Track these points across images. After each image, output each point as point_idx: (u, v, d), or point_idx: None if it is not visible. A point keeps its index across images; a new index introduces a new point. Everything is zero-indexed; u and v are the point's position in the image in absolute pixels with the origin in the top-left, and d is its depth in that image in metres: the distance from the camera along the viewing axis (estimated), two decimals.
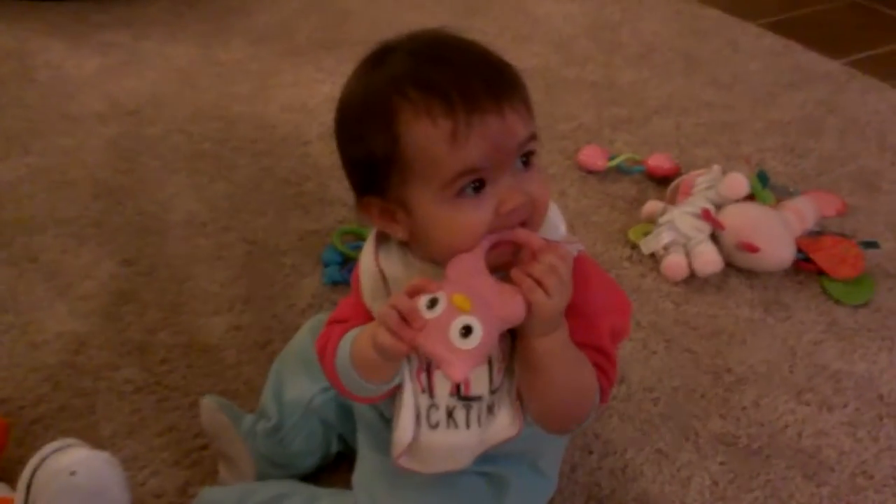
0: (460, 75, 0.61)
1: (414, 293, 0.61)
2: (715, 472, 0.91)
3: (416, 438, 0.69)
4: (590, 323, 0.67)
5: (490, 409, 0.68)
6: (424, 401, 0.68)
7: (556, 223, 0.70)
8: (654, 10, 1.95)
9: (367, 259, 0.71)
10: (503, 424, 0.69)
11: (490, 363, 0.67)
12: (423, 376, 0.68)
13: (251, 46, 1.72)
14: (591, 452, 0.93)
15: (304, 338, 0.89)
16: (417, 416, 0.69)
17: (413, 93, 0.61)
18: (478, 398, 0.67)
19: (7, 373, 0.99)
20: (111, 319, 1.07)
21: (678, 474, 0.91)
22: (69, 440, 0.78)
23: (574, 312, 0.65)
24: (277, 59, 1.67)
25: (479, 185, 0.62)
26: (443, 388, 0.68)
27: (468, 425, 0.68)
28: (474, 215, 0.62)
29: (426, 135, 0.61)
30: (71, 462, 0.75)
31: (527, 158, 0.64)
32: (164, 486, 0.87)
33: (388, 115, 0.62)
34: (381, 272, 0.69)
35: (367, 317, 0.70)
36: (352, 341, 0.68)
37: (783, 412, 0.98)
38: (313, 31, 1.80)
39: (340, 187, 1.32)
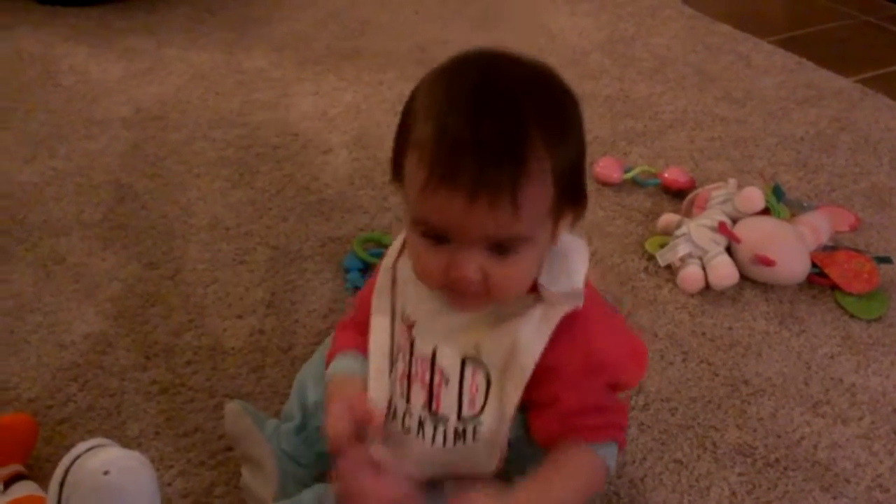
0: (467, 141, 0.58)
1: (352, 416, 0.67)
2: (733, 482, 0.92)
3: (392, 435, 0.73)
4: (583, 386, 0.68)
5: (460, 436, 0.70)
6: (402, 404, 0.72)
7: (571, 271, 0.68)
8: (668, 25, 1.98)
9: (390, 257, 0.75)
10: (478, 459, 0.71)
11: (461, 391, 0.69)
12: (405, 381, 0.72)
13: (273, 54, 1.74)
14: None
15: (327, 347, 0.91)
16: (395, 414, 0.73)
17: (429, 126, 0.60)
18: (445, 419, 0.70)
19: (35, 372, 1.01)
20: (137, 321, 1.08)
21: (697, 484, 0.92)
22: (101, 440, 0.79)
23: (562, 378, 0.67)
24: (298, 68, 1.70)
25: (439, 239, 0.62)
26: (417, 398, 0.71)
27: (433, 441, 0.71)
28: (429, 260, 0.63)
29: (411, 167, 0.62)
30: (104, 462, 0.75)
31: (502, 250, 0.62)
32: (191, 486, 0.89)
33: (410, 126, 0.63)
34: (394, 272, 0.73)
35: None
36: (331, 379, 0.76)
37: (799, 424, 0.99)
38: (333, 40, 1.82)
39: (361, 195, 1.34)
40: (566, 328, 0.66)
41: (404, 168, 0.63)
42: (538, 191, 0.60)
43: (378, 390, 0.74)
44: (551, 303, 0.67)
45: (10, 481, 0.83)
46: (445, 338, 0.70)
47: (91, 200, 1.30)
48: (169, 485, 0.88)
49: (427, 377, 0.71)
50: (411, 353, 0.72)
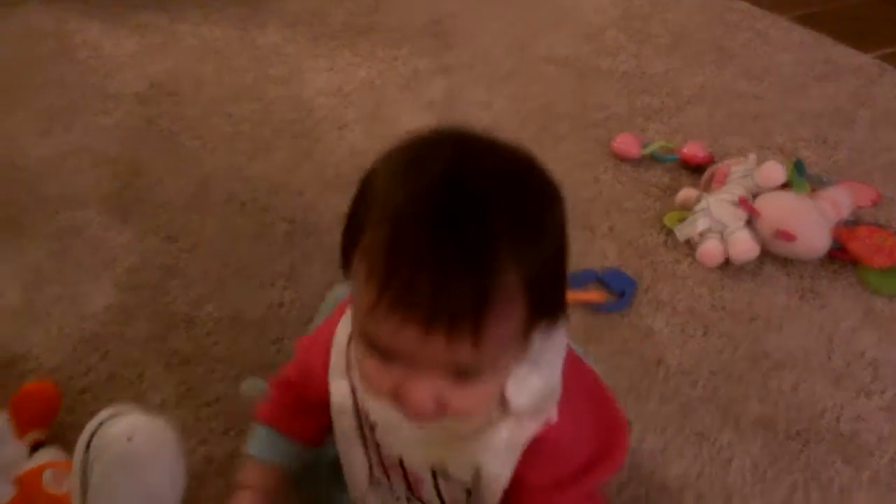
0: (425, 260, 0.49)
1: None
2: (755, 454, 0.92)
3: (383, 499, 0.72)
4: (555, 500, 0.64)
5: None
6: (385, 481, 0.71)
7: (543, 377, 0.60)
8: (684, 1, 1.95)
9: (343, 331, 0.66)
10: None
11: (439, 493, 0.67)
12: (382, 468, 0.70)
13: (286, 30, 1.73)
14: (630, 432, 0.94)
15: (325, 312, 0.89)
16: (380, 483, 0.71)
17: (383, 231, 0.50)
18: (431, 502, 0.69)
19: (56, 343, 1.01)
20: (157, 293, 1.08)
21: (718, 456, 0.92)
22: (125, 406, 0.80)
23: (532, 492, 0.62)
24: (313, 44, 1.68)
25: (388, 355, 0.53)
26: (398, 484, 0.70)
27: None
28: (375, 376, 0.55)
29: (360, 274, 0.52)
30: (128, 427, 0.75)
31: (461, 375, 0.53)
32: (214, 454, 0.89)
33: (361, 218, 0.53)
34: (349, 355, 0.65)
35: (314, 387, 0.69)
36: (250, 459, 0.75)
37: (821, 397, 0.99)
38: (348, 16, 1.81)
39: None
40: (536, 443, 0.61)
41: (352, 265, 0.54)
42: (506, 316, 0.51)
43: (355, 465, 0.71)
44: (519, 420, 0.60)
45: (34, 448, 0.83)
46: (409, 449, 0.66)
47: (107, 175, 1.30)
48: (192, 452, 0.89)
49: (401, 474, 0.68)
50: (379, 451, 0.68)
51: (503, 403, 0.59)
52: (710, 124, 1.49)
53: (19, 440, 0.83)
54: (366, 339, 0.54)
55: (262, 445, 0.76)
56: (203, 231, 1.20)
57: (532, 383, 0.59)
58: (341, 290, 0.88)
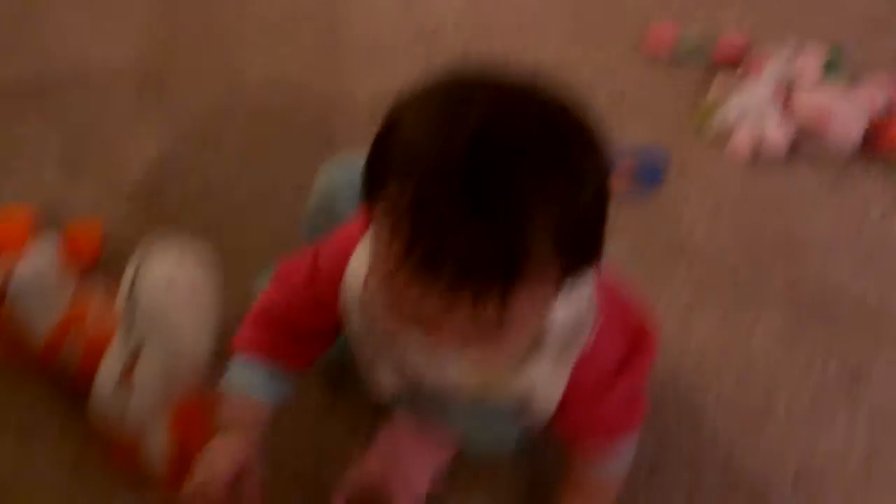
0: (449, 234, 0.47)
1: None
2: (777, 329, 0.94)
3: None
4: (599, 401, 0.66)
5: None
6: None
7: (573, 321, 0.61)
8: None
9: (358, 264, 0.63)
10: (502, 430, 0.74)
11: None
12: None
13: None
14: (652, 306, 0.96)
15: (322, 186, 0.88)
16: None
17: (409, 190, 0.48)
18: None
19: (95, 201, 1.04)
20: (193, 163, 1.11)
21: (741, 331, 0.94)
22: (167, 243, 0.80)
23: (574, 399, 0.64)
24: None
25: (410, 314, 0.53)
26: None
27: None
28: (399, 324, 0.55)
29: (383, 228, 0.51)
30: (171, 262, 0.77)
31: (490, 331, 0.52)
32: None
33: (387, 164, 0.51)
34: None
35: (314, 316, 0.69)
36: (230, 393, 0.71)
37: (847, 278, 1.00)
38: None
39: (410, 57, 1.32)
40: (577, 365, 0.63)
41: (374, 216, 0.53)
42: (536, 283, 0.49)
43: (379, 383, 0.71)
44: (559, 350, 0.61)
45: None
46: (444, 380, 0.66)
47: (140, 60, 1.28)
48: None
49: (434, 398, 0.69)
50: (410, 374, 0.68)
51: (540, 335, 0.60)
52: (748, 23, 1.46)
53: (67, 268, 0.87)
54: (387, 296, 0.54)
55: (240, 379, 0.71)
56: (237, 111, 1.21)
57: (567, 310, 0.59)
58: (336, 172, 0.85)
